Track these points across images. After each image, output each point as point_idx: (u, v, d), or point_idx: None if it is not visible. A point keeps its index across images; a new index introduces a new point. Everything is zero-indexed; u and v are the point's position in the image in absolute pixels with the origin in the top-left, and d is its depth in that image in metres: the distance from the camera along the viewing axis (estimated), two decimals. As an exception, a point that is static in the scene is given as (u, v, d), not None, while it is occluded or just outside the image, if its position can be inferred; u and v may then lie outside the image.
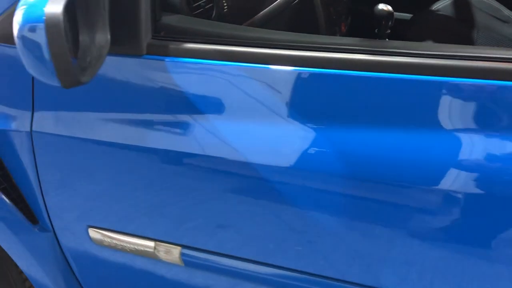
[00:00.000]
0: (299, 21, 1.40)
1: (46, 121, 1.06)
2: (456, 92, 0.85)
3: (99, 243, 1.16)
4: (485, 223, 0.87)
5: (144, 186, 1.06)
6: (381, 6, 1.55)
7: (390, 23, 1.55)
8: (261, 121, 0.94)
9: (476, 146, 0.85)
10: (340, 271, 0.99)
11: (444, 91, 0.85)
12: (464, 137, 0.86)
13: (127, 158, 1.04)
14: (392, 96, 0.87)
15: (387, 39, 1.56)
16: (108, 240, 1.14)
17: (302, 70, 0.90)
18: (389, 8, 1.54)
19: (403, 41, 0.94)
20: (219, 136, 0.96)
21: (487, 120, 0.85)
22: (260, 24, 1.23)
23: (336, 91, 0.90)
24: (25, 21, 0.77)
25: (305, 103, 0.91)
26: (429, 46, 1.11)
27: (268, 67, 0.92)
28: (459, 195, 0.86)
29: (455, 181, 0.86)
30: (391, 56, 0.87)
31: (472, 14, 1.84)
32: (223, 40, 0.97)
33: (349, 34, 1.69)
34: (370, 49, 0.88)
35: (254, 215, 1.00)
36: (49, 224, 1.18)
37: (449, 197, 0.87)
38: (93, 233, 1.15)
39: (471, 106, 0.85)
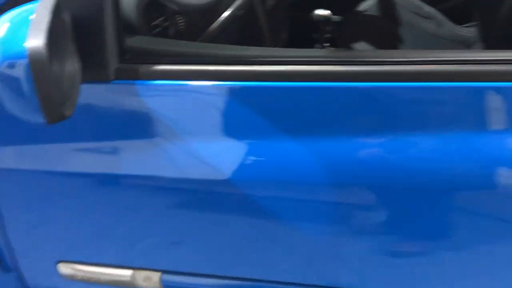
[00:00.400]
0: (246, 32, 1.41)
1: (7, 157, 1.00)
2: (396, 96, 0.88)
3: (71, 278, 1.11)
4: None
5: (117, 213, 1.03)
6: (318, 11, 1.57)
7: (329, 27, 1.58)
8: (242, 138, 0.93)
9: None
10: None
11: (378, 96, 0.88)
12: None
13: (100, 187, 1.00)
14: (337, 104, 0.90)
15: (328, 44, 1.59)
16: (81, 274, 1.09)
17: (273, 84, 0.91)
18: (327, 12, 1.57)
19: (341, 49, 0.97)
20: (200, 157, 0.94)
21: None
22: (213, 37, 1.23)
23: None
24: (3, 58, 0.73)
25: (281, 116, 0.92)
26: (359, 54, 1.15)
27: (240, 84, 0.91)
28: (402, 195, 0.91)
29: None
30: (330, 66, 0.90)
31: (397, 12, 1.92)
32: (192, 59, 0.96)
33: (290, 40, 1.72)
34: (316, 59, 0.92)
35: (229, 232, 1.00)
36: (13, 263, 1.12)
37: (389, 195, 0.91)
38: (64, 268, 1.10)
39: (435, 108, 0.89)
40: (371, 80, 0.87)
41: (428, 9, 1.96)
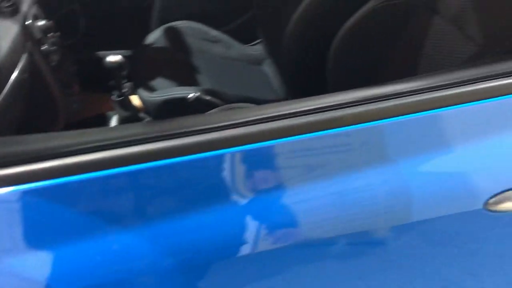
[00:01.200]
0: (34, 97, 1.25)
1: None
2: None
3: None
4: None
5: None
6: (110, 58, 1.47)
7: (123, 72, 1.49)
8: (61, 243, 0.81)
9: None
10: None
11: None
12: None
13: None
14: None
15: (126, 89, 1.50)
16: None
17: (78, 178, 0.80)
18: (119, 58, 1.47)
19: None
20: (18, 275, 0.80)
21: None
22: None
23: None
24: None
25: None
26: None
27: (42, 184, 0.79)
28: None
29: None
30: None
31: (185, 41, 1.88)
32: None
33: (85, 90, 1.58)
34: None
35: None
36: None
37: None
38: None
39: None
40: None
41: (214, 33, 1.96)
